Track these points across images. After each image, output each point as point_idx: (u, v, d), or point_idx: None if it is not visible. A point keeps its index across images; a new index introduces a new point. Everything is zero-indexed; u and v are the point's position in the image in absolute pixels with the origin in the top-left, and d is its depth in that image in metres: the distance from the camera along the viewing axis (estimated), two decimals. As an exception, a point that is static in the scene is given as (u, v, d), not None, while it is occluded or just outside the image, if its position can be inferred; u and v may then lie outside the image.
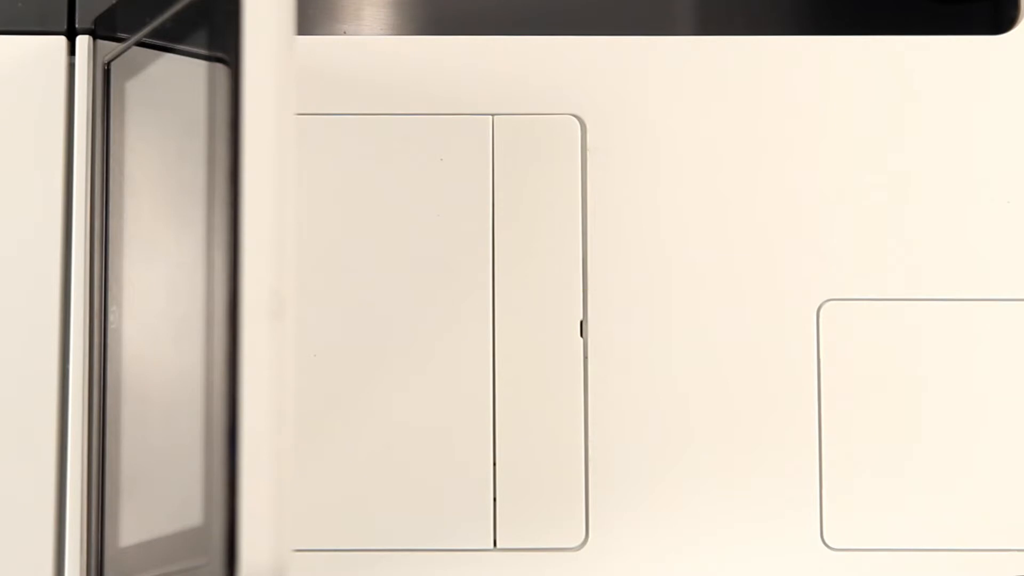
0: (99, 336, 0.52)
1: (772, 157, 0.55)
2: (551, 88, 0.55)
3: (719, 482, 0.53)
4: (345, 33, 0.58)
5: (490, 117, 0.55)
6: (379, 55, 0.55)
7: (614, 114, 0.55)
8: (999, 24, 0.56)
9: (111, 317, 0.51)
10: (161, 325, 0.48)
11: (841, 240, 0.54)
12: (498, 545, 0.53)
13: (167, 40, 0.49)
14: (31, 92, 0.54)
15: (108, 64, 0.53)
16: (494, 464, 0.54)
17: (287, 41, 0.45)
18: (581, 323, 0.54)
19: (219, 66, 0.46)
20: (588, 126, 0.55)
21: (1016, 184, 0.55)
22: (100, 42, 0.53)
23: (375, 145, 0.54)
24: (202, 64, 0.47)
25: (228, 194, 0.45)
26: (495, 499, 0.53)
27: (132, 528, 0.49)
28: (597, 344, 0.54)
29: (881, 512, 0.54)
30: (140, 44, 0.51)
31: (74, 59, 0.54)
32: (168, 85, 0.49)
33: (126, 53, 0.52)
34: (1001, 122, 0.55)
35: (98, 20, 0.54)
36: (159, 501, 0.48)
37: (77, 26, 0.54)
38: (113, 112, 0.52)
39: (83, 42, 0.54)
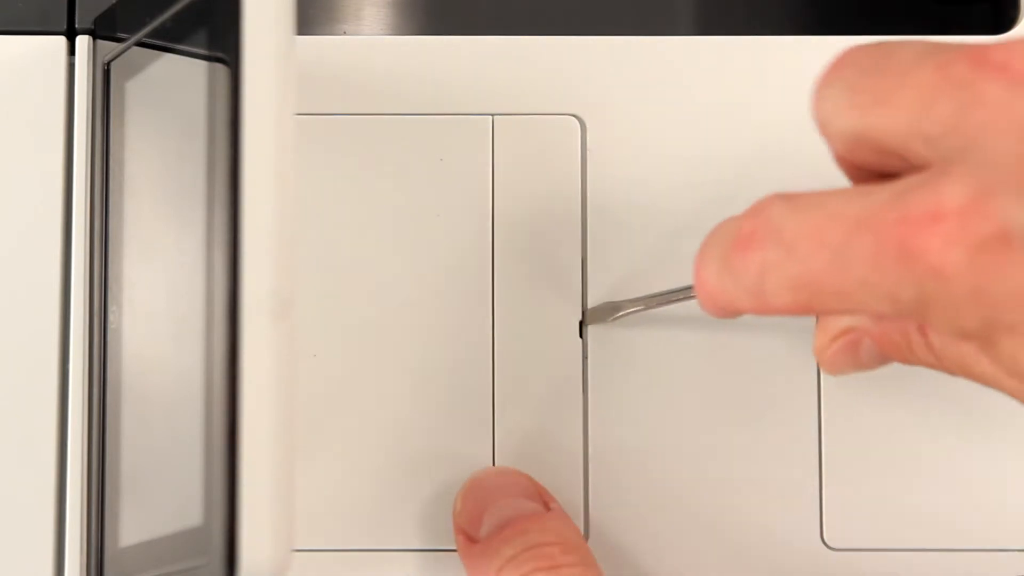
0: (99, 336, 0.52)
1: (772, 157, 0.55)
2: (551, 88, 0.55)
3: (718, 482, 0.53)
4: (345, 33, 0.58)
5: (490, 117, 0.55)
6: (379, 55, 0.55)
7: (614, 114, 0.55)
8: (999, 24, 0.56)
9: (111, 317, 0.51)
10: (161, 325, 0.48)
11: (841, 240, 0.54)
12: (498, 545, 0.53)
13: (167, 40, 0.49)
14: (31, 92, 0.54)
15: (108, 64, 0.53)
16: (494, 464, 0.53)
17: (287, 41, 0.45)
18: (581, 323, 0.54)
19: (219, 66, 0.46)
20: (588, 126, 0.55)
21: (1016, 184, 0.55)
22: (100, 42, 0.53)
23: (375, 145, 0.54)
24: (202, 64, 0.47)
25: (228, 194, 0.44)
26: (495, 499, 0.53)
27: (132, 528, 0.49)
28: (597, 344, 0.54)
29: (881, 512, 0.54)
30: (140, 44, 0.51)
31: (74, 59, 0.54)
32: (168, 85, 0.49)
33: (126, 53, 0.52)
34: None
35: (98, 20, 0.54)
36: (159, 501, 0.48)
37: (77, 26, 0.54)
38: (113, 112, 0.52)
39: (83, 42, 0.54)
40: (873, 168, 0.41)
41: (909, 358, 0.45)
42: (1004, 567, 0.54)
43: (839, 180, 0.55)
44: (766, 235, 0.40)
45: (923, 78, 0.39)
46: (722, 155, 0.55)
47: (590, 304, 0.54)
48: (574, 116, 0.55)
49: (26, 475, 0.52)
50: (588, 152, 0.55)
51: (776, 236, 0.40)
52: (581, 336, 0.54)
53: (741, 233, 0.41)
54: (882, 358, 0.46)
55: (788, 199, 0.41)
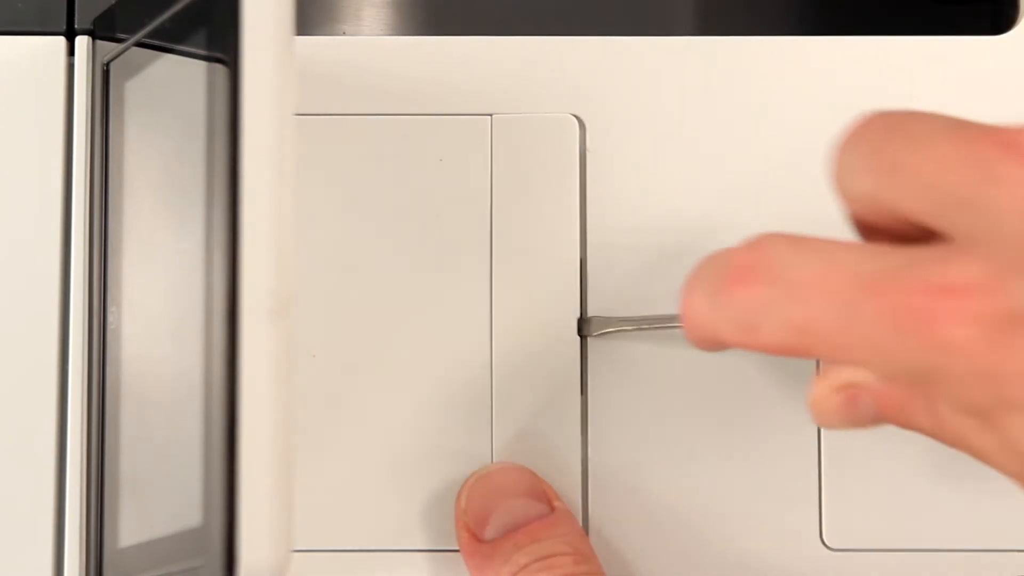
0: (99, 336, 0.52)
1: (772, 157, 0.55)
2: (551, 88, 0.55)
3: (718, 482, 0.53)
4: (345, 33, 0.58)
5: (489, 117, 0.55)
6: (379, 55, 0.55)
7: (614, 114, 0.55)
8: (999, 24, 0.56)
9: (111, 317, 0.51)
10: (161, 325, 0.49)
11: (841, 240, 0.54)
12: (498, 545, 0.53)
13: (166, 40, 0.49)
14: (31, 92, 0.54)
15: (107, 64, 0.53)
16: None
17: (287, 41, 0.45)
18: (580, 322, 0.54)
19: (219, 66, 0.46)
20: (588, 126, 0.55)
21: (1016, 184, 0.55)
22: (99, 42, 0.53)
23: (375, 145, 0.54)
24: (202, 64, 0.47)
25: (227, 194, 0.45)
26: (495, 499, 0.53)
27: (132, 528, 0.49)
28: (596, 344, 0.54)
29: (881, 512, 0.54)
30: (139, 44, 0.51)
31: (73, 60, 0.54)
32: (167, 85, 0.49)
33: (125, 53, 0.52)
34: (1001, 122, 0.55)
35: (97, 20, 0.54)
36: (159, 501, 0.48)
37: (76, 26, 0.54)
38: (112, 112, 0.52)
39: (82, 42, 0.54)
40: (885, 231, 0.42)
41: (908, 423, 0.45)
42: (1004, 567, 0.54)
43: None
44: (764, 271, 0.41)
45: (940, 150, 0.39)
46: (722, 155, 0.55)
47: (589, 303, 0.54)
48: (574, 116, 0.55)
49: (26, 475, 0.52)
50: (588, 152, 0.55)
51: (775, 274, 0.40)
52: (579, 336, 0.54)
53: (737, 266, 0.41)
54: (878, 418, 0.46)
55: (791, 240, 0.41)
